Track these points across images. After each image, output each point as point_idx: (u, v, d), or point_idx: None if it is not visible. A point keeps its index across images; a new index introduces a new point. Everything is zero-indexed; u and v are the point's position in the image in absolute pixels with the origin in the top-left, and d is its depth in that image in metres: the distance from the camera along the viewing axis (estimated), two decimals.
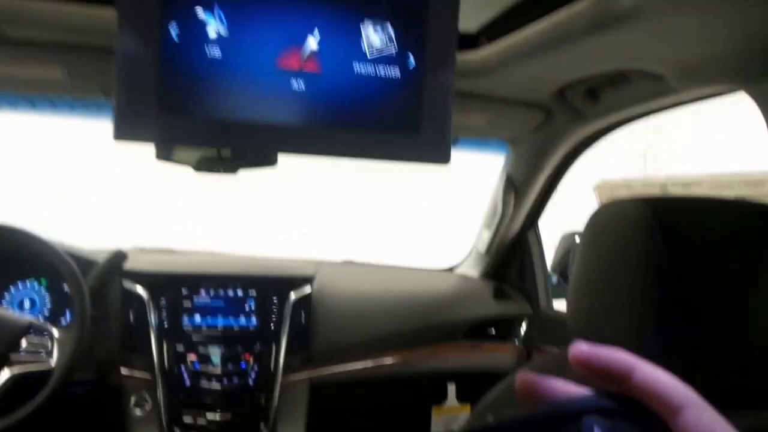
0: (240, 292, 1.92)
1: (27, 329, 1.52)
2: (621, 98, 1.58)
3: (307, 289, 1.97)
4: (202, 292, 1.89)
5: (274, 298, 1.93)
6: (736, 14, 1.01)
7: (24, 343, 1.54)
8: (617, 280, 0.80)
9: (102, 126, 1.69)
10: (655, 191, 4.07)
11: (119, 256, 1.77)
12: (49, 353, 1.56)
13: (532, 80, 1.54)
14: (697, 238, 0.77)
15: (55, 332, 1.58)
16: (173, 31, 0.71)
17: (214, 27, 0.72)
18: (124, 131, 0.71)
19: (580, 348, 0.37)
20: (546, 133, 1.86)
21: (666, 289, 0.74)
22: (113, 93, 0.71)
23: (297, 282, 1.98)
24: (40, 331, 1.57)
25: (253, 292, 1.93)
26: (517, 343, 2.23)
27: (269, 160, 0.89)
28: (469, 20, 1.35)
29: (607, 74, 1.46)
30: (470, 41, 1.42)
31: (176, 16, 0.71)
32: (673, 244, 0.75)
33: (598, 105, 1.64)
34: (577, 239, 2.13)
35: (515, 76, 1.49)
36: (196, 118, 0.73)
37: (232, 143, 0.79)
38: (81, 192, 4.38)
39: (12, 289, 1.82)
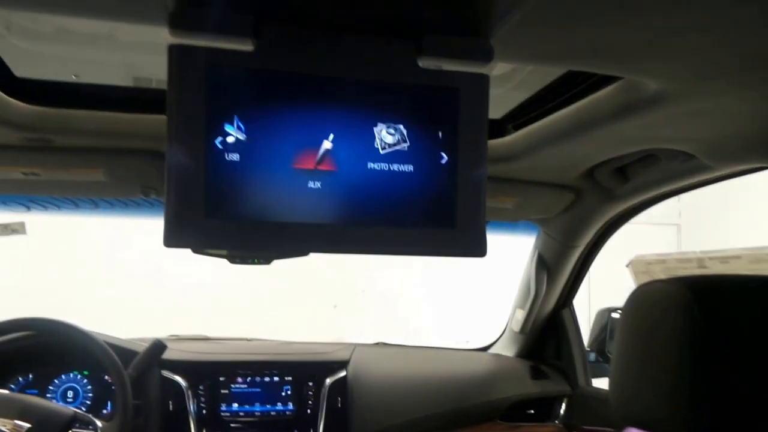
0: (276, 379, 1.93)
1: (72, 421, 1.54)
2: (651, 176, 1.57)
3: (342, 373, 1.98)
4: (239, 379, 1.91)
5: (310, 383, 1.94)
6: (765, 93, 1.02)
7: None
8: (658, 360, 0.81)
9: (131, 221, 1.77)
10: (691, 266, 4.01)
11: (159, 347, 1.80)
12: None
13: (560, 163, 1.55)
14: (736, 316, 0.77)
15: (99, 423, 1.60)
16: (218, 140, 0.75)
17: (251, 134, 0.76)
18: (175, 238, 0.74)
19: None
20: (576, 212, 1.87)
21: (707, 369, 0.75)
22: (164, 202, 0.75)
23: (332, 366, 1.99)
24: (84, 423, 1.59)
25: (288, 378, 1.94)
26: (557, 423, 2.19)
27: (301, 252, 0.91)
28: (495, 109, 1.39)
29: (636, 154, 1.46)
30: (497, 129, 1.45)
31: (220, 125, 0.75)
32: (713, 323, 0.75)
33: (629, 184, 1.63)
34: (613, 315, 2.13)
35: (543, 159, 1.50)
36: (242, 222, 0.76)
37: (272, 244, 0.80)
38: (114, 282, 4.46)
39: (56, 381, 1.85)
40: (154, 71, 1.33)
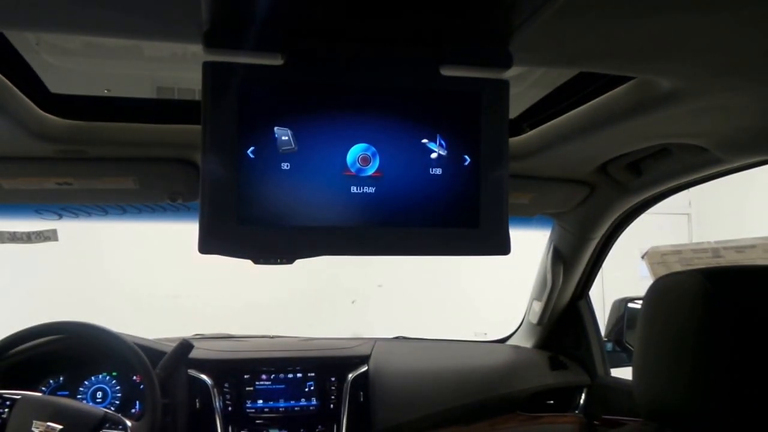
0: (299, 375, 1.97)
1: (103, 421, 1.57)
2: (664, 170, 1.59)
3: (363, 368, 2.01)
4: (263, 376, 1.95)
5: (333, 378, 1.98)
6: None
7: None
8: (680, 350, 0.83)
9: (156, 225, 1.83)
10: (706, 256, 4.00)
11: (186, 346, 1.83)
12: None
13: (574, 159, 1.58)
14: (756, 306, 0.80)
15: (128, 422, 1.64)
16: (250, 150, 0.78)
17: (286, 143, 0.80)
18: (209, 245, 0.78)
19: None
20: (590, 206, 1.89)
21: (728, 359, 0.77)
22: (199, 210, 0.78)
23: (353, 361, 2.02)
24: (114, 422, 1.63)
25: (311, 374, 1.97)
26: (577, 412, 2.21)
27: (329, 254, 0.94)
28: (511, 108, 1.41)
29: (649, 149, 1.48)
30: (512, 127, 1.47)
31: (252, 136, 0.79)
32: (733, 313, 0.78)
33: (641, 178, 1.65)
34: (629, 305, 2.14)
35: (557, 156, 1.52)
36: (272, 228, 0.80)
37: (300, 248, 0.83)
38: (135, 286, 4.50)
39: (86, 382, 1.89)
40: (177, 82, 1.38)
